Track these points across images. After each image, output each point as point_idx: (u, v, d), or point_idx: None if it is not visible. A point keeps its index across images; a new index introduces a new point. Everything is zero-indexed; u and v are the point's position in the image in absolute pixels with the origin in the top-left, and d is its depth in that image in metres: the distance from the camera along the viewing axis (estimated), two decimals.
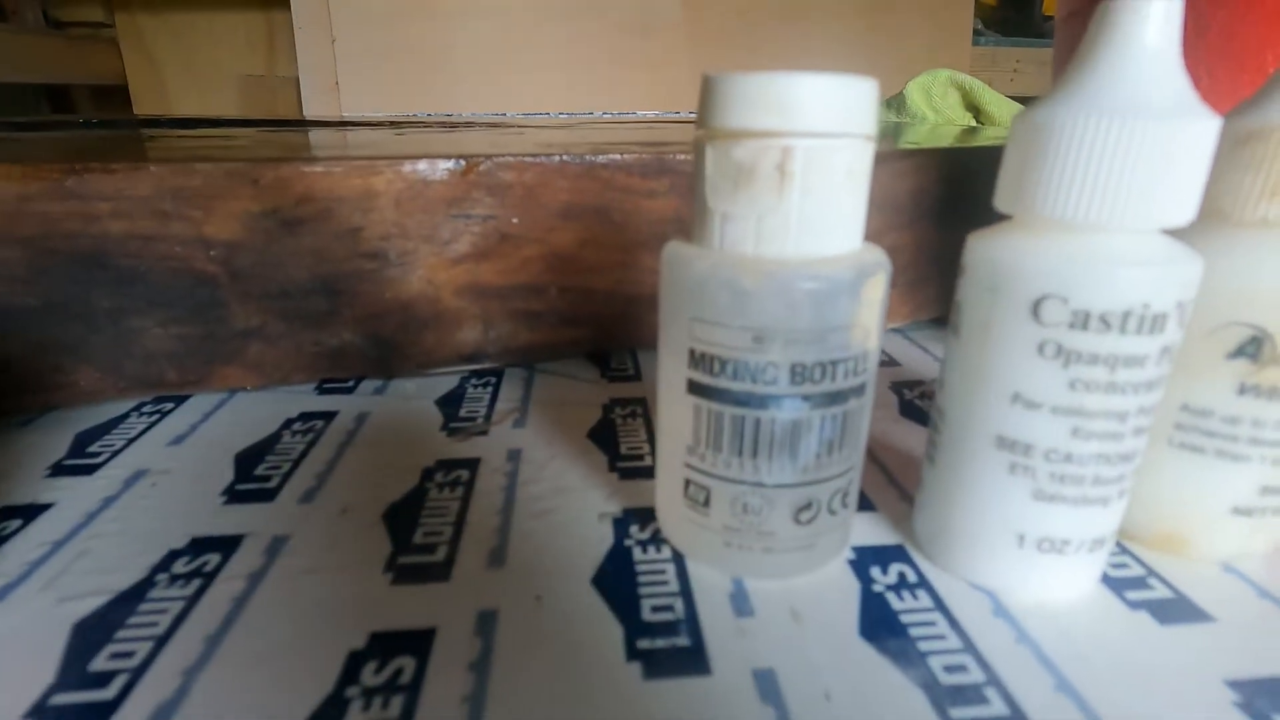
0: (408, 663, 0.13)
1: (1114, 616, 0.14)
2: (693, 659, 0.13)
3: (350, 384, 0.25)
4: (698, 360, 0.14)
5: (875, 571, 0.16)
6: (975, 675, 0.13)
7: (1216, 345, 0.14)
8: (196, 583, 0.15)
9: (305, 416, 0.23)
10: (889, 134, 0.51)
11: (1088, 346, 0.12)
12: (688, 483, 0.15)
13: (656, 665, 0.13)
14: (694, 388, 0.14)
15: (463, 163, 0.22)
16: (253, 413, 0.23)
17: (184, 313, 0.22)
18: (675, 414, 0.15)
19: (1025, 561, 0.14)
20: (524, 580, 0.15)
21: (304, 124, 0.56)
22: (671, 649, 0.13)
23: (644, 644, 0.13)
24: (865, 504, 0.18)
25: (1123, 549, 0.16)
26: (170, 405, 0.23)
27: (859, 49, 1.17)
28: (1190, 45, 0.19)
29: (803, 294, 0.12)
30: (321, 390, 0.25)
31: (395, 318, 0.23)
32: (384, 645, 0.13)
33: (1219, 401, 0.14)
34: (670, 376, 0.14)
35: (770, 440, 0.13)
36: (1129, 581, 0.15)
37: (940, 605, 0.14)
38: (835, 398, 0.13)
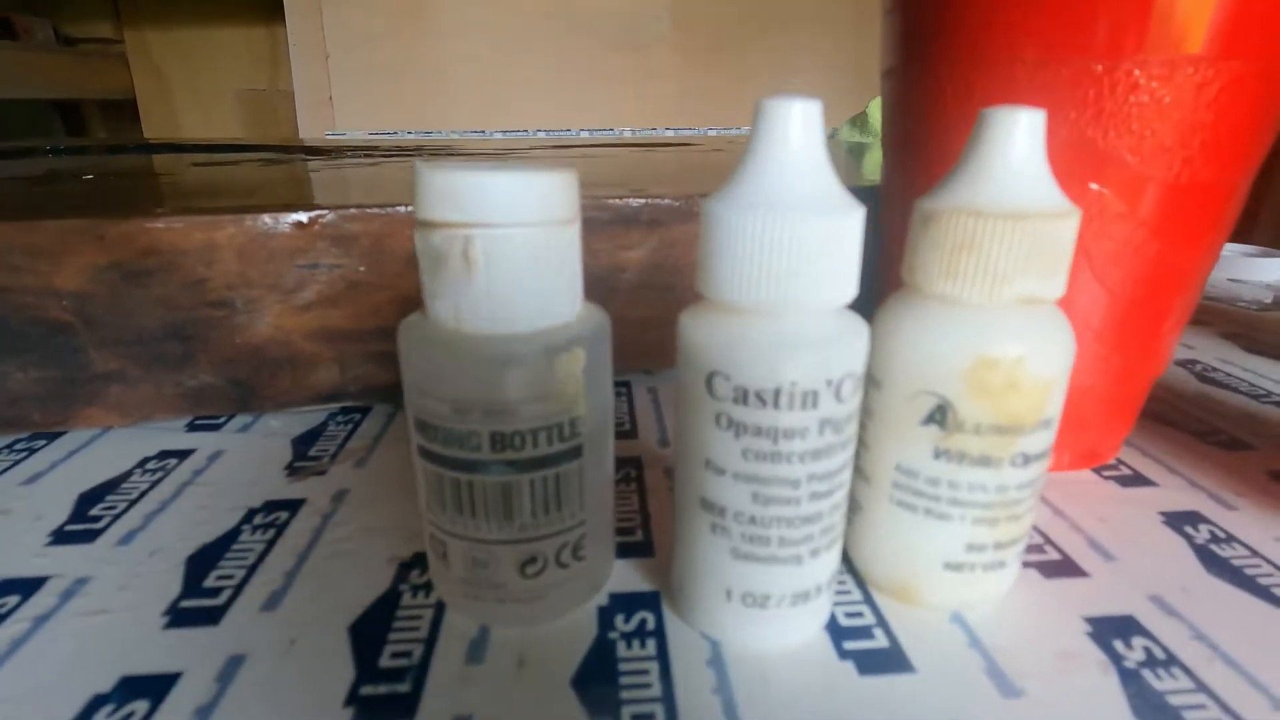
0: (141, 706, 0.14)
1: (819, 666, 0.15)
2: (403, 706, 0.14)
3: (220, 420, 0.27)
4: (420, 426, 0.15)
5: (619, 619, 0.16)
6: None
7: (913, 411, 0.15)
8: None
9: (163, 455, 0.24)
10: (853, 154, 0.52)
11: (751, 419, 0.13)
12: (431, 536, 0.16)
13: (368, 712, 0.14)
14: (421, 452, 0.15)
15: (305, 217, 0.23)
16: (114, 451, 0.24)
17: (42, 358, 0.23)
18: (417, 472, 0.16)
19: (735, 614, 0.15)
20: (288, 625, 0.16)
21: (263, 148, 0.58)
22: (389, 695, 0.14)
23: (366, 690, 0.14)
24: (649, 550, 0.19)
25: (867, 597, 0.17)
26: (43, 442, 0.25)
27: (846, 62, 1.18)
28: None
29: (488, 368, 0.13)
30: (191, 427, 0.26)
31: (249, 361, 0.25)
32: (129, 688, 0.14)
33: (921, 463, 0.15)
34: (411, 438, 0.16)
35: (485, 500, 0.14)
36: (854, 631, 0.16)
37: (662, 653, 0.15)
38: (542, 462, 0.14)
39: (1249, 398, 0.29)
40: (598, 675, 0.15)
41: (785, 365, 0.13)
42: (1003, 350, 0.14)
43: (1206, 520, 0.20)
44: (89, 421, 0.24)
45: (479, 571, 0.15)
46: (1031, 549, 0.19)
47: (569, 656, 0.15)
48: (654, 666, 0.15)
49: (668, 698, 0.14)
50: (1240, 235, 0.52)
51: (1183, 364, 0.33)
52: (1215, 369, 0.32)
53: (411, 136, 1.07)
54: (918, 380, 0.15)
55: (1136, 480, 0.23)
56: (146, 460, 0.24)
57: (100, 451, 0.24)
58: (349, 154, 0.50)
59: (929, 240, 0.14)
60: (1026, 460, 0.15)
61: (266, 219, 0.23)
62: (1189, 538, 0.20)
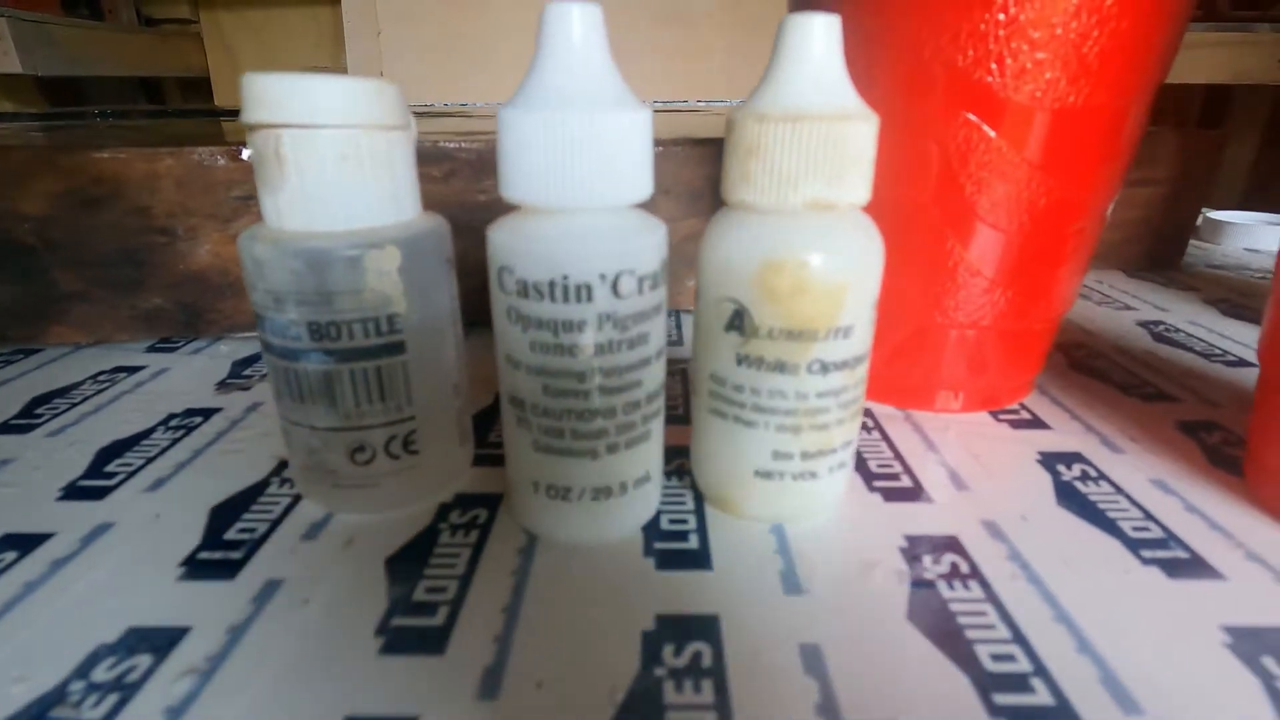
0: (10, 556, 0.16)
1: (620, 560, 0.16)
2: (230, 569, 0.16)
3: (178, 344, 0.29)
4: (257, 319, 0.16)
5: (455, 514, 0.17)
6: (448, 595, 0.15)
7: (718, 317, 0.15)
8: None
9: (116, 369, 0.26)
10: None
11: (533, 312, 0.14)
12: (282, 428, 0.17)
13: (198, 571, 0.15)
14: (260, 344, 0.16)
15: (236, 151, 0.25)
16: (76, 365, 0.27)
17: (14, 277, 0.25)
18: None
19: (542, 506, 0.16)
20: (160, 503, 0.18)
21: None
22: (222, 560, 0.16)
23: (203, 555, 0.16)
24: None
25: (699, 508, 0.18)
26: (20, 357, 0.28)
27: None
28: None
29: (297, 262, 0.15)
30: (151, 349, 0.28)
31: (193, 286, 0.27)
32: (8, 543, 0.16)
33: (728, 371, 0.16)
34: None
35: (310, 388, 0.16)
36: (671, 534, 0.17)
37: (481, 542, 0.16)
38: (361, 353, 0.15)
39: (1201, 356, 0.28)
40: (412, 555, 0.16)
41: (557, 259, 0.13)
42: (788, 254, 0.14)
43: (1084, 461, 0.20)
44: (59, 337, 0.27)
45: (314, 457, 0.17)
46: (883, 476, 0.19)
47: (394, 540, 0.16)
48: (467, 552, 0.16)
49: (466, 576, 0.15)
50: (1266, 204, 0.49)
51: (1145, 324, 0.31)
52: (1178, 330, 0.31)
53: (445, 105, 1.10)
54: (719, 286, 0.15)
55: (1031, 424, 0.22)
56: (100, 373, 0.26)
57: (63, 365, 0.27)
58: None
59: (730, 147, 0.15)
60: (825, 368, 0.15)
61: (201, 152, 0.25)
62: (1056, 475, 0.19)
